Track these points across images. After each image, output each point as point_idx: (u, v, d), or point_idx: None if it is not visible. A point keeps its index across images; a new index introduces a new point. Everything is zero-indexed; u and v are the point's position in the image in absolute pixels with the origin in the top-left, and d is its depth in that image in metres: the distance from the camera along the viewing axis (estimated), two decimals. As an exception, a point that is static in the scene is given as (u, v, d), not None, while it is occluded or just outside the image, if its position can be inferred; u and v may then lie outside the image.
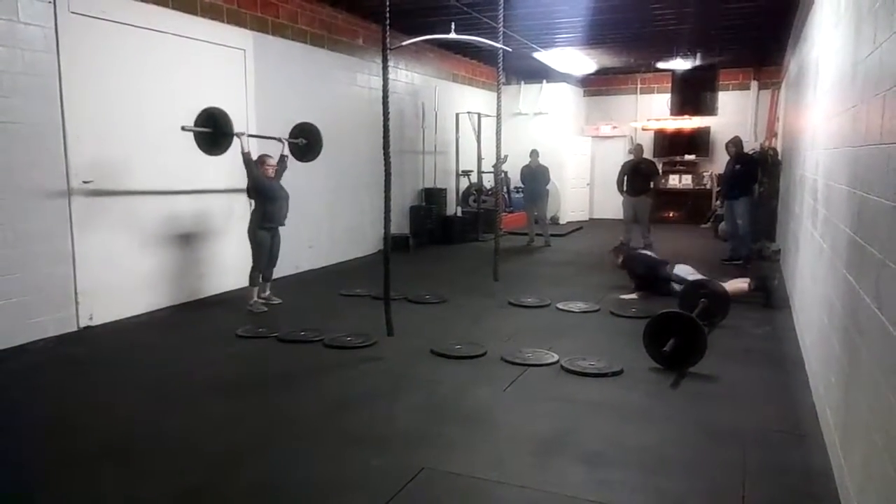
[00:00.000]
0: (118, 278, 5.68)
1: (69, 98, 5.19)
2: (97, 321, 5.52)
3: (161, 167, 6.11)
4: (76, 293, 5.32)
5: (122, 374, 4.50)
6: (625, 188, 10.35)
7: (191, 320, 5.75)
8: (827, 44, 4.61)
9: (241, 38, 6.91)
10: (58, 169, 5.17)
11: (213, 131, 5.73)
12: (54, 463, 3.18)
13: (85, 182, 5.37)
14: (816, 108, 5.18)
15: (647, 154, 13.20)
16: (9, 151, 4.82)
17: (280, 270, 7.33)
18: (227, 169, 6.90)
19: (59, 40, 5.09)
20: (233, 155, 6.94)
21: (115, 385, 4.29)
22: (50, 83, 5.07)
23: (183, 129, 5.59)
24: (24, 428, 3.62)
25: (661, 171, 11.73)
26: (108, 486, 2.94)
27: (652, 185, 10.40)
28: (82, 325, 5.39)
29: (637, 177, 10.25)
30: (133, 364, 4.66)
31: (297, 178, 7.84)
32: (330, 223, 8.47)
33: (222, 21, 6.64)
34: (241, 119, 7.02)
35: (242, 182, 7.07)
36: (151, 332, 5.50)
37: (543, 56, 11.05)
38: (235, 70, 6.91)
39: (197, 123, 5.71)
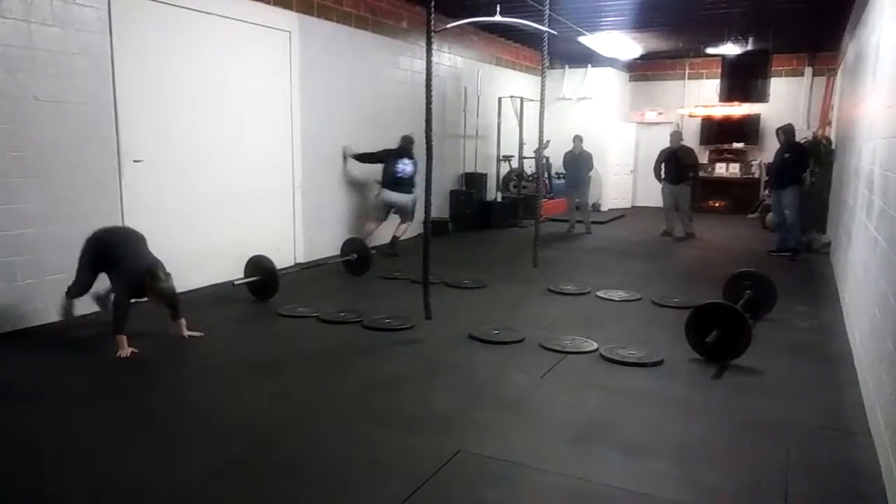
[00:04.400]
0: (169, 255, 5.79)
1: (121, 78, 5.30)
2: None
3: (208, 147, 6.21)
4: (125, 269, 5.46)
5: (166, 349, 4.62)
6: (662, 175, 10.18)
7: (236, 297, 5.86)
8: (889, 29, 4.42)
9: (286, 20, 6.95)
10: (109, 148, 5.31)
11: (261, 278, 5.83)
12: (99, 434, 3.28)
13: (135, 161, 5.50)
14: (875, 96, 4.98)
15: (694, 141, 12.91)
16: (63, 130, 4.96)
17: (321, 252, 7.46)
18: (273, 150, 7.00)
19: (111, 21, 5.20)
20: (273, 137, 7.04)
21: (158, 360, 4.42)
22: (103, 64, 5.18)
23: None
24: (72, 397, 3.75)
25: (700, 158, 11.49)
26: (145, 459, 3.03)
27: (691, 174, 10.20)
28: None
29: (674, 164, 10.08)
30: (176, 339, 4.77)
31: (340, 161, 7.94)
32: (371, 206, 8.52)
33: (269, 3, 6.69)
34: (286, 101, 7.10)
35: (286, 163, 7.17)
36: (197, 309, 5.61)
37: (589, 40, 10.85)
38: (281, 52, 6.97)
39: (246, 272, 5.91)
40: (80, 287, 4.69)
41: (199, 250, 6.13)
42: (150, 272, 4.36)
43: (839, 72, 11.06)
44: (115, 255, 4.49)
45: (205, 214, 6.22)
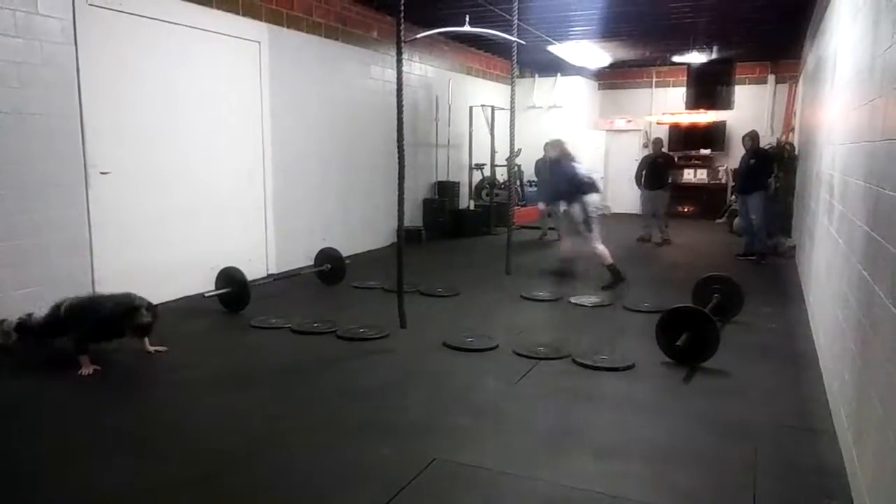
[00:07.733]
0: (135, 268, 5.74)
1: (87, 89, 5.23)
2: (114, 311, 5.58)
3: (177, 158, 6.15)
4: (93, 282, 5.37)
5: (135, 364, 4.55)
6: (643, 182, 10.36)
7: (205, 310, 5.80)
8: (845, 37, 4.56)
9: (256, 30, 6.93)
10: (75, 159, 5.22)
11: (232, 290, 5.77)
12: (71, 450, 3.23)
13: (102, 173, 5.42)
14: (833, 103, 5.13)
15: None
16: (28, 142, 4.87)
17: (294, 262, 7.41)
18: (244, 161, 6.95)
19: (77, 32, 5.13)
20: (244, 148, 7.00)
21: (129, 375, 4.35)
22: (68, 75, 5.11)
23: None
24: (40, 415, 3.68)
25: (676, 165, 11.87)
26: (123, 473, 2.99)
27: (670, 179, 10.46)
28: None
29: (656, 171, 10.28)
30: (145, 355, 4.69)
31: (311, 171, 7.91)
32: (343, 215, 8.50)
33: (237, 13, 6.67)
34: (256, 111, 7.07)
35: (257, 174, 7.13)
36: (166, 322, 5.53)
37: (558, 49, 10.98)
38: (250, 62, 6.94)
39: (217, 284, 5.84)
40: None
41: (169, 262, 6.06)
42: (130, 308, 4.33)
43: (800, 79, 11.35)
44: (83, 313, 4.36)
45: (175, 226, 6.15)
